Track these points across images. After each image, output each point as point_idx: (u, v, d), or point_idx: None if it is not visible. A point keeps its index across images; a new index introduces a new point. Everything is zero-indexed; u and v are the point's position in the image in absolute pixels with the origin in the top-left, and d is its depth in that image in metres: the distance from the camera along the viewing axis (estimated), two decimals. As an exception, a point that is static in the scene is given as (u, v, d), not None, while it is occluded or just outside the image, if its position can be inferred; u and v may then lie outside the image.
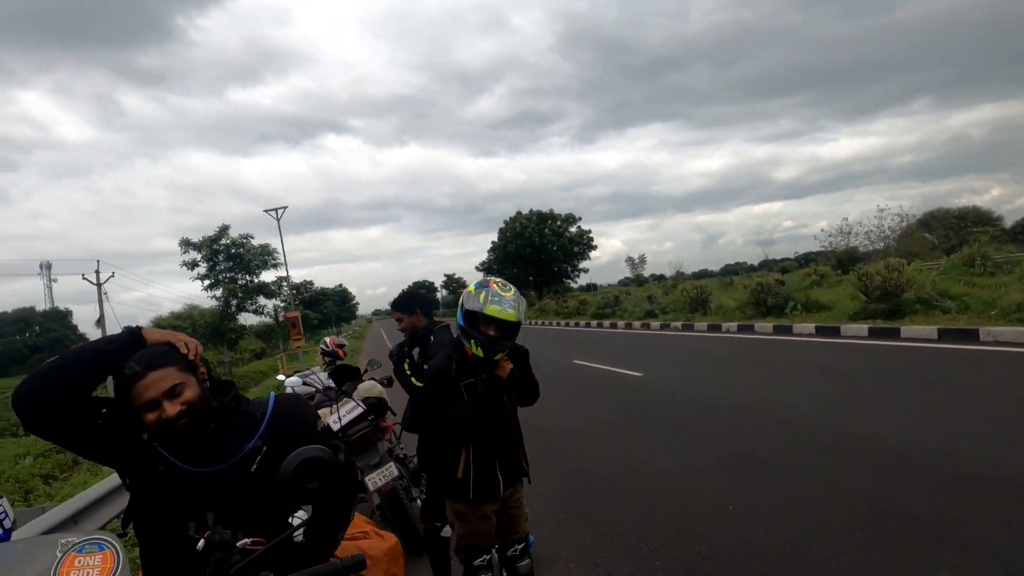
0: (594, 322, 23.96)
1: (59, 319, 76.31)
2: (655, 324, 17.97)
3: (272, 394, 1.56)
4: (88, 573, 0.84)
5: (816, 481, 3.90)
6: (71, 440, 1.26)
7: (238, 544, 1.17)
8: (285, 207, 27.04)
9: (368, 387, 3.92)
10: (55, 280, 77.44)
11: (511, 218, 53.52)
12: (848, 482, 3.81)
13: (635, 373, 9.25)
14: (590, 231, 53.21)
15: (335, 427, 3.57)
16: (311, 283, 60.85)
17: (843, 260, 24.03)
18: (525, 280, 53.02)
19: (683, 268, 41.63)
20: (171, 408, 1.26)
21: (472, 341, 2.12)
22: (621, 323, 20.90)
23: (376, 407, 3.72)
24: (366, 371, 4.64)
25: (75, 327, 75.45)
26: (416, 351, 3.05)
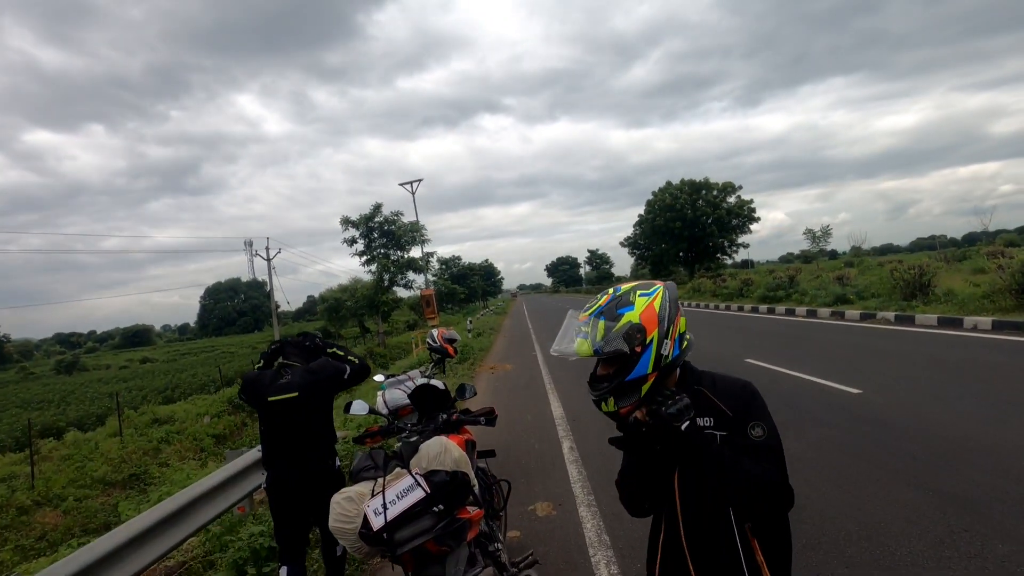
0: (762, 306, 20.35)
1: (258, 288, 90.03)
2: (852, 313, 14.29)
3: None
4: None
5: None
6: None
7: None
8: (420, 179, 27.11)
9: (438, 449, 2.20)
10: (256, 255, 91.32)
11: (660, 189, 49.33)
12: None
13: (848, 389, 6.62)
14: (751, 201, 47.15)
15: (376, 523, 2.02)
16: (459, 258, 62.68)
17: None
18: (675, 256, 49.30)
19: (865, 242, 35.34)
20: None
21: None
22: (800, 309, 17.25)
23: (446, 489, 2.09)
24: (456, 400, 3.06)
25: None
26: None
